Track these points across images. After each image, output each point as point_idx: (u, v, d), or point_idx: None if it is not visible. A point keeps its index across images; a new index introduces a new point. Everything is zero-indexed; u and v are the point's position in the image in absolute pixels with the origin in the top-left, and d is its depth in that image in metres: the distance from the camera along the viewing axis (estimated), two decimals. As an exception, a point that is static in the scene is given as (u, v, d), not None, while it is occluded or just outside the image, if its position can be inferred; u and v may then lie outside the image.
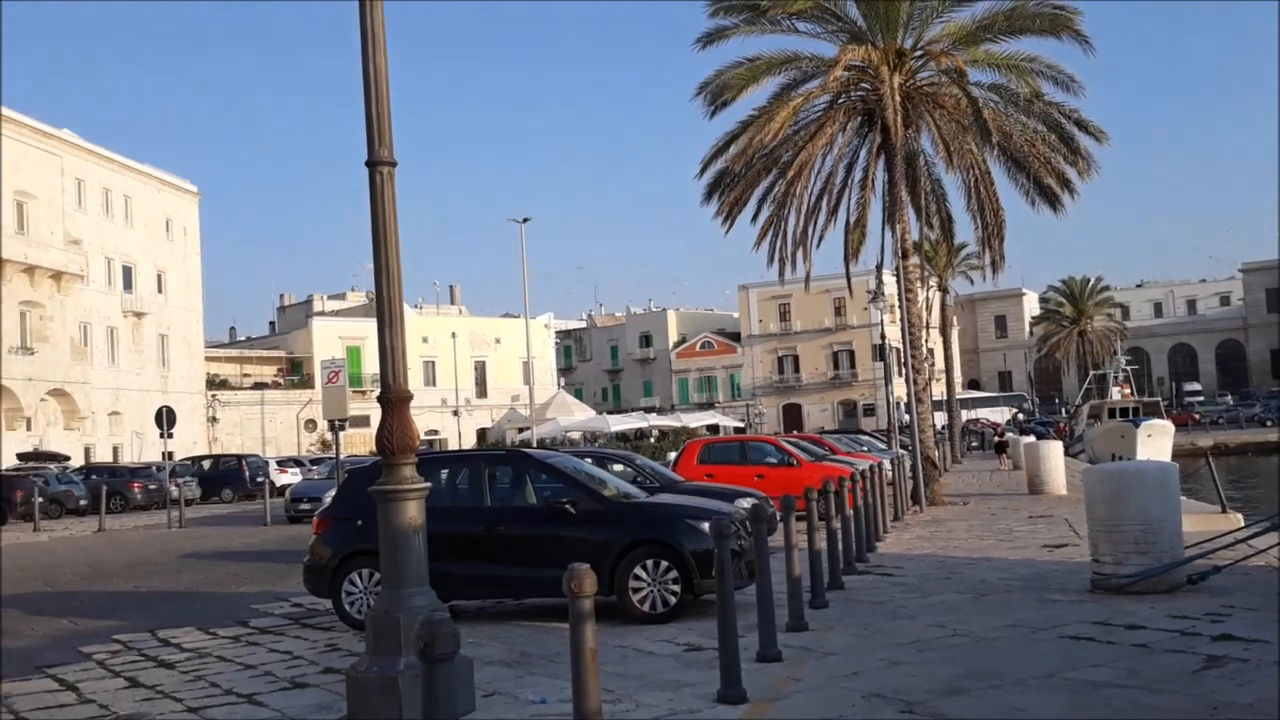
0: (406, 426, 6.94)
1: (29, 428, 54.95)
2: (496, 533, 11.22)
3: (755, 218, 24.23)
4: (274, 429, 74.55)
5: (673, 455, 30.97)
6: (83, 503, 36.04)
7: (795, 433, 53.64)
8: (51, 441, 55.05)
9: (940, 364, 56.27)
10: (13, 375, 53.39)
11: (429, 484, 7.19)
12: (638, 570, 10.62)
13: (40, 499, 32.32)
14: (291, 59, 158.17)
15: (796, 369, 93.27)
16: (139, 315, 65.38)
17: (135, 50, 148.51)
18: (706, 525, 10.58)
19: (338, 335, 77.47)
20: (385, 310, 7.05)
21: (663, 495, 13.43)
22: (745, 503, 13.52)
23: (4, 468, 42.48)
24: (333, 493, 26.09)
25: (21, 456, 47.56)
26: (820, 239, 24.44)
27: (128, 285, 64.91)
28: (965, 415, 60.99)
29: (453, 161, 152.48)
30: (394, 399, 6.97)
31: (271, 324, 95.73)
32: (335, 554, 11.36)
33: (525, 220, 52.17)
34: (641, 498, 12.17)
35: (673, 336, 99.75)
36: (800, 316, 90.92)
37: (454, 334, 74.53)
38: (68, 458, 48.97)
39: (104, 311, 62.37)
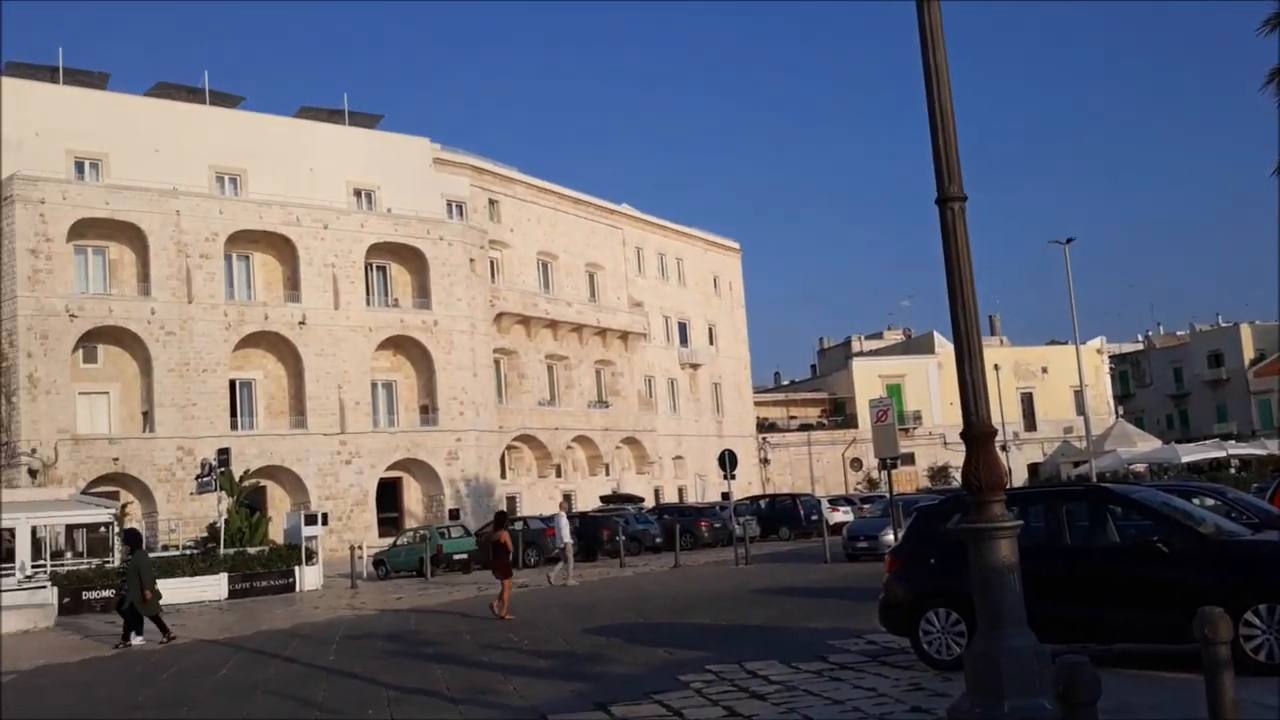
0: (993, 462, 6.74)
1: (608, 473, 61.13)
2: (1078, 573, 10.55)
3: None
4: (821, 468, 76.67)
5: (1255, 486, 27.57)
6: (657, 540, 39.12)
7: None
8: (627, 485, 60.82)
9: None
10: (592, 426, 59.76)
11: (1020, 521, 6.90)
12: (1249, 616, 9.49)
13: (622, 537, 35.55)
14: (816, 107, 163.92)
15: None
16: (694, 367, 70.56)
17: (676, 130, 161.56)
18: (1336, 566, 9.26)
19: (877, 374, 78.35)
20: (963, 345, 6.92)
21: (1271, 533, 11.91)
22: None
23: (591, 510, 47.37)
24: (888, 530, 26.29)
25: (604, 499, 52.82)
26: None
27: (683, 340, 70.41)
28: None
29: (981, 187, 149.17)
30: (978, 434, 6.80)
31: (813, 367, 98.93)
32: (909, 592, 11.31)
33: (1069, 241, 49.48)
34: (1246, 535, 10.89)
35: (1248, 353, 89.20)
36: None
37: (996, 365, 72.29)
38: (642, 499, 53.59)
39: (664, 365, 68.06)
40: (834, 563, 27.82)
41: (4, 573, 27.62)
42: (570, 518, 28.80)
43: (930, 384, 78.32)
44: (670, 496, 63.67)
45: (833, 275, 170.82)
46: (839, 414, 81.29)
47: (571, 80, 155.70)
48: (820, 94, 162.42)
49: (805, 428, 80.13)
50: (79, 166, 45.10)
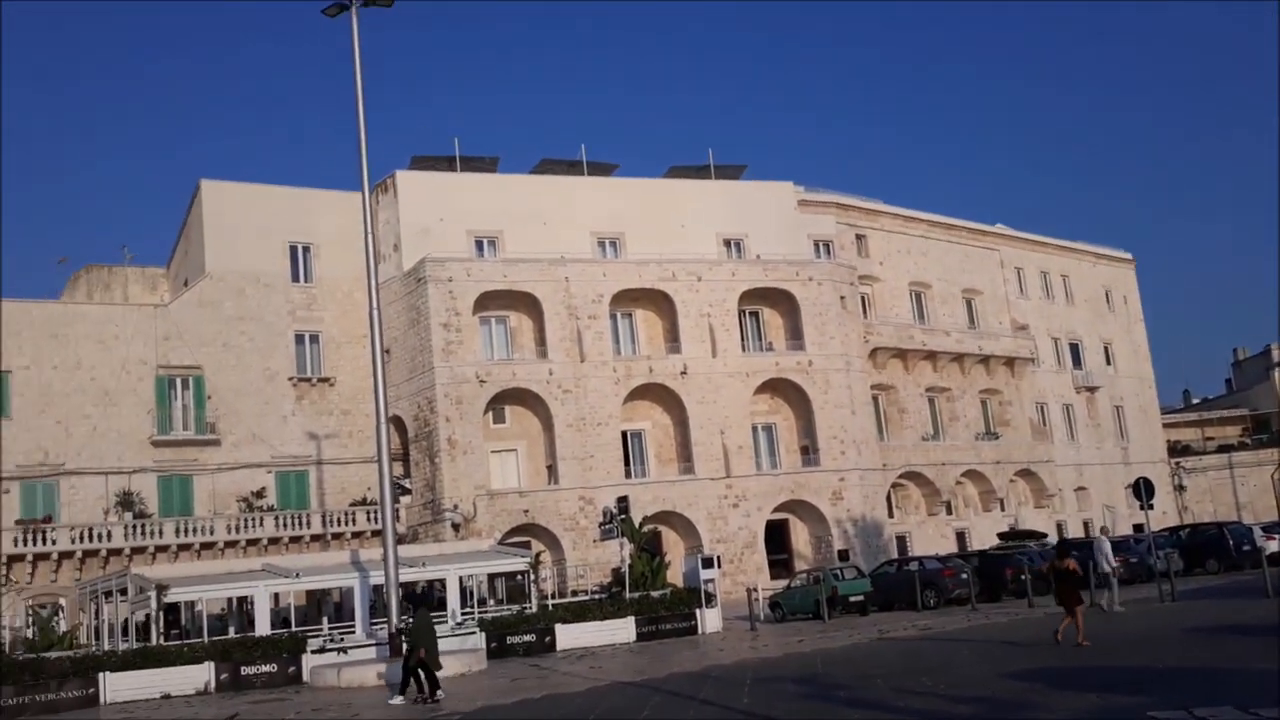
0: None
1: (1002, 508, 58.37)
2: None
3: None
4: (1246, 493, 69.47)
5: None
6: (1067, 577, 36.65)
7: None
8: (1025, 520, 57.75)
9: None
10: (982, 459, 57.41)
11: None
12: None
13: (1027, 576, 33.57)
14: (1199, 100, 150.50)
15: None
16: (1091, 390, 66.25)
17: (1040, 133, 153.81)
18: None
19: (1307, 384, 70.22)
20: None
21: None
22: None
23: (989, 548, 45.31)
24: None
25: (1001, 536, 50.38)
26: None
27: (1076, 362, 66.38)
28: None
29: None
30: None
31: (1228, 381, 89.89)
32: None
33: None
34: None
35: None
36: None
37: None
38: (1044, 535, 50.65)
39: (1057, 390, 64.38)
40: (1277, 597, 24.90)
41: (437, 620, 30.19)
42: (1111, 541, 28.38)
43: (1372, 392, 69.20)
44: (1075, 531, 59.74)
45: (1241, 280, 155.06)
46: (1263, 432, 73.38)
47: (930, 104, 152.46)
48: (1206, 86, 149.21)
49: (1224, 449, 72.97)
50: (478, 245, 49.33)
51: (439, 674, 19.01)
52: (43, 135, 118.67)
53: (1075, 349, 66.68)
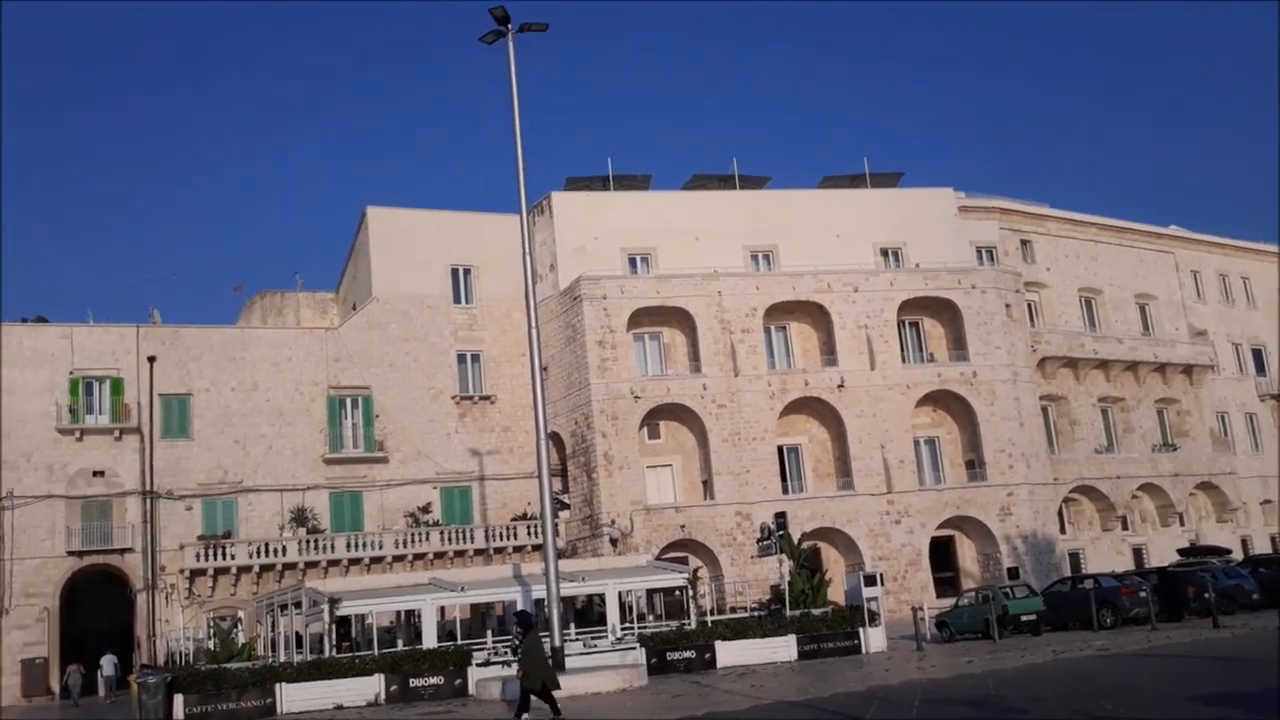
0: None
1: (1182, 523, 55.60)
2: None
3: None
4: None
5: None
6: (1255, 597, 34.55)
7: None
8: (1206, 535, 54.85)
9: None
10: (1160, 472, 54.77)
11: None
12: None
13: (1212, 594, 31.77)
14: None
15: None
16: (1276, 398, 62.73)
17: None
18: None
19: None
20: None
21: None
22: None
23: (1169, 564, 43.10)
24: None
25: (1181, 552, 47.89)
26: None
27: (1260, 368, 62.94)
28: None
29: None
30: None
31: None
32: None
33: None
34: None
35: None
36: None
37: None
38: (1228, 551, 47.99)
39: (1239, 398, 61.23)
40: None
41: (598, 635, 30.34)
42: None
43: None
44: (1261, 547, 56.44)
45: None
46: None
47: (1100, 105, 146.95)
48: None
49: None
50: (632, 262, 49.76)
51: (549, 693, 18.65)
52: (221, 169, 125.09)
53: (1258, 355, 63.14)
